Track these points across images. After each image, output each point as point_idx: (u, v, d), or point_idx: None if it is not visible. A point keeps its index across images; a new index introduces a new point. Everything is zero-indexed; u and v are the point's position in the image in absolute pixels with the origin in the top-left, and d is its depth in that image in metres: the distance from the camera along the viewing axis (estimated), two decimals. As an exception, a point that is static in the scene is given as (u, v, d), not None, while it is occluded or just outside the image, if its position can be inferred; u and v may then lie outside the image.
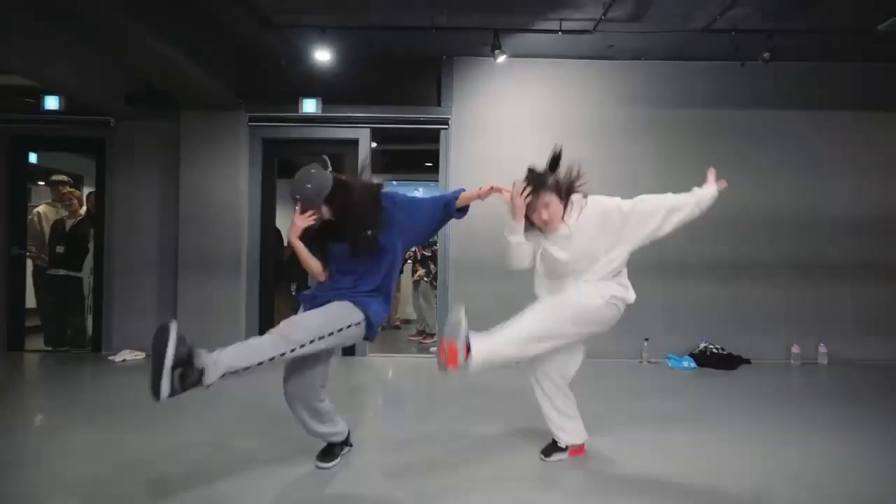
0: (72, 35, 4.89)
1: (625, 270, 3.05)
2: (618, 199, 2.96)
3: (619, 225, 2.93)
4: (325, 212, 2.84)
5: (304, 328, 2.62)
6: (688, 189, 3.08)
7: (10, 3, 4.34)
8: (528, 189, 2.89)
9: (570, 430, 3.20)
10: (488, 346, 2.78)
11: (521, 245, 2.94)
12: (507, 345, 2.81)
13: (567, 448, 3.21)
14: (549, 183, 2.92)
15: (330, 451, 3.11)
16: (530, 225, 2.99)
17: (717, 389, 5.00)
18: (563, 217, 2.94)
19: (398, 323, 9.03)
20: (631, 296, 3.01)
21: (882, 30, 4.08)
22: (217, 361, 2.37)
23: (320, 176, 2.80)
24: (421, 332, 7.80)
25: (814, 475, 3.04)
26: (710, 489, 2.83)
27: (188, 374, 2.29)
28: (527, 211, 2.92)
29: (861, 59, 5.90)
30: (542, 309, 2.93)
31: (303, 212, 2.80)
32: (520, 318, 2.89)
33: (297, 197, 2.78)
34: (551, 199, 2.91)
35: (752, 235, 6.15)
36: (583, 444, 3.25)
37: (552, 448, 3.22)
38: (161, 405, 2.35)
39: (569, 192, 2.94)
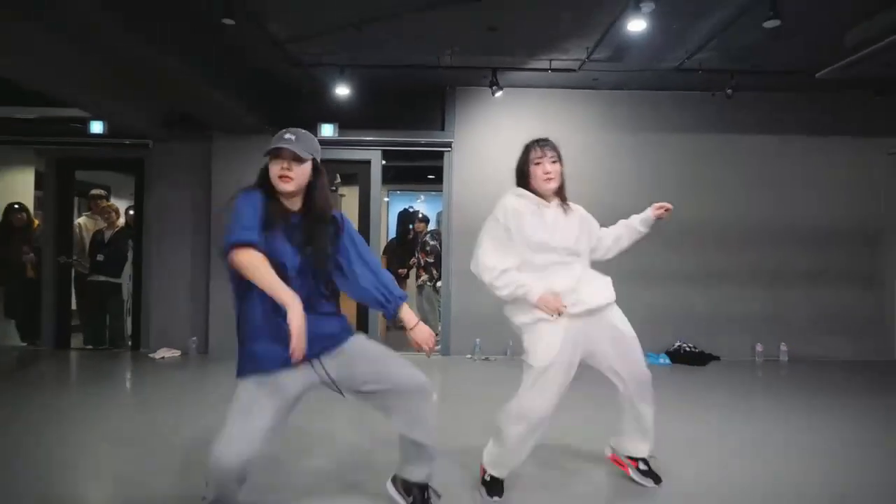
0: (117, 70, 5.41)
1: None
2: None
3: (590, 231, 3.03)
4: (303, 174, 2.35)
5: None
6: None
7: (64, 42, 4.92)
8: (545, 141, 2.95)
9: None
10: None
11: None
12: None
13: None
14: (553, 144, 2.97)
15: None
16: (525, 185, 2.97)
17: (690, 382, 5.78)
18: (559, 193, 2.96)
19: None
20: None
21: (819, 77, 4.85)
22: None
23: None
24: (424, 333, 8.49)
25: (769, 451, 3.79)
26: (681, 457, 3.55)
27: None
28: (533, 162, 2.91)
29: (811, 89, 6.62)
30: None
31: (290, 158, 2.31)
32: None
33: (290, 138, 2.33)
34: (558, 162, 2.94)
35: (721, 247, 6.92)
36: None
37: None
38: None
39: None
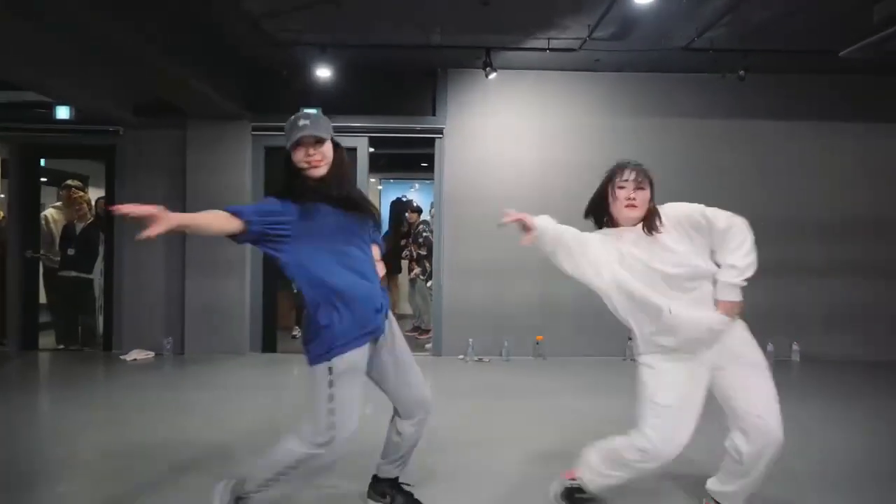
0: (82, 52, 5.14)
1: None
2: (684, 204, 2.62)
3: (706, 228, 2.54)
4: (328, 152, 2.41)
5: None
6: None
7: (20, 20, 4.51)
8: (633, 164, 2.60)
9: None
10: None
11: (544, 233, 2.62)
12: None
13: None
14: (643, 168, 2.59)
15: None
16: (597, 216, 2.71)
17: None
18: (651, 216, 2.55)
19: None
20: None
21: (843, 56, 4.45)
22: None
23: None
24: (417, 329, 8.15)
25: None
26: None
27: None
28: (617, 185, 2.57)
29: (829, 71, 6.25)
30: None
31: (312, 143, 2.36)
32: None
33: (305, 123, 2.35)
34: (644, 183, 2.56)
35: (730, 239, 6.52)
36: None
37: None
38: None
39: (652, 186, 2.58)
